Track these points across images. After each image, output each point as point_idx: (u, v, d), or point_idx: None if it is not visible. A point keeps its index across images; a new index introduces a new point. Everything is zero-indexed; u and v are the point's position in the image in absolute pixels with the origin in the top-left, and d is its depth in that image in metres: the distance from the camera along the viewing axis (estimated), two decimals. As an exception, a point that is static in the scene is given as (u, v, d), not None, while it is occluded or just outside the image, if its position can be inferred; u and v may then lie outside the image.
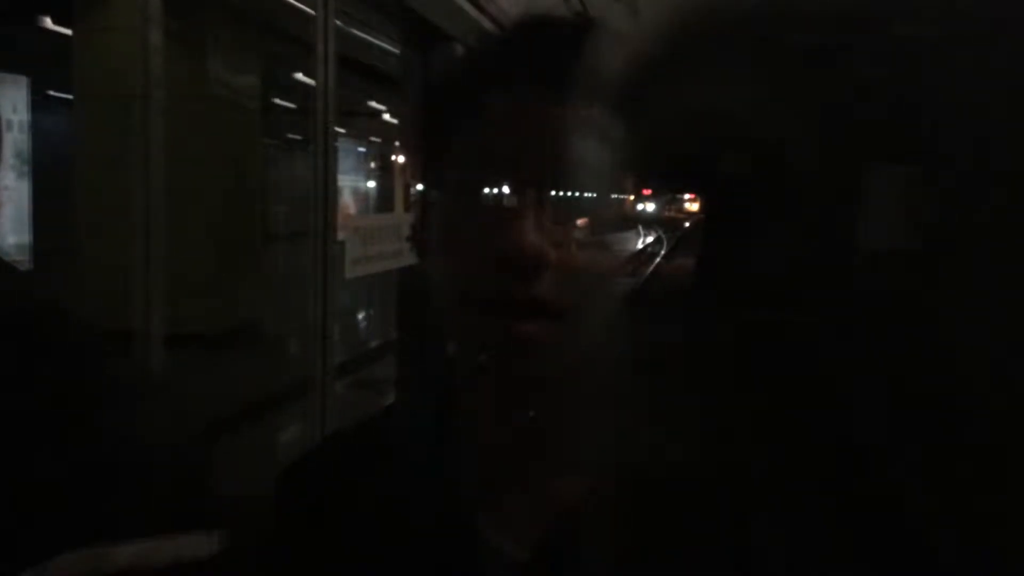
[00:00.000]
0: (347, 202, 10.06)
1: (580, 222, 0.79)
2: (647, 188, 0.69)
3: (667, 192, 0.74)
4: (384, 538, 0.81)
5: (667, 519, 0.66)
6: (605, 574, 0.65)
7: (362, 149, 11.33)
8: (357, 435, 0.94)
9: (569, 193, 0.79)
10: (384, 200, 10.85)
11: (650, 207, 0.70)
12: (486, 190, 0.80)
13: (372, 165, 11.47)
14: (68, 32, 5.66)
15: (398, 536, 0.80)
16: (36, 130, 6.41)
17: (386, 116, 10.73)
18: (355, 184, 10.91)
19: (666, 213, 0.70)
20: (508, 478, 0.83)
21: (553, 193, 0.79)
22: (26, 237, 6.32)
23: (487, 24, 5.77)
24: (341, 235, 3.93)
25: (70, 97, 5.51)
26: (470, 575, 0.79)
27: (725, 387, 0.62)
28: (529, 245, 0.77)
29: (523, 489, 0.83)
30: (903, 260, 0.59)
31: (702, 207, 0.69)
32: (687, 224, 0.71)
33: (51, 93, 6.86)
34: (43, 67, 6.33)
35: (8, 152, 5.95)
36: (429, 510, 0.81)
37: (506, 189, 0.79)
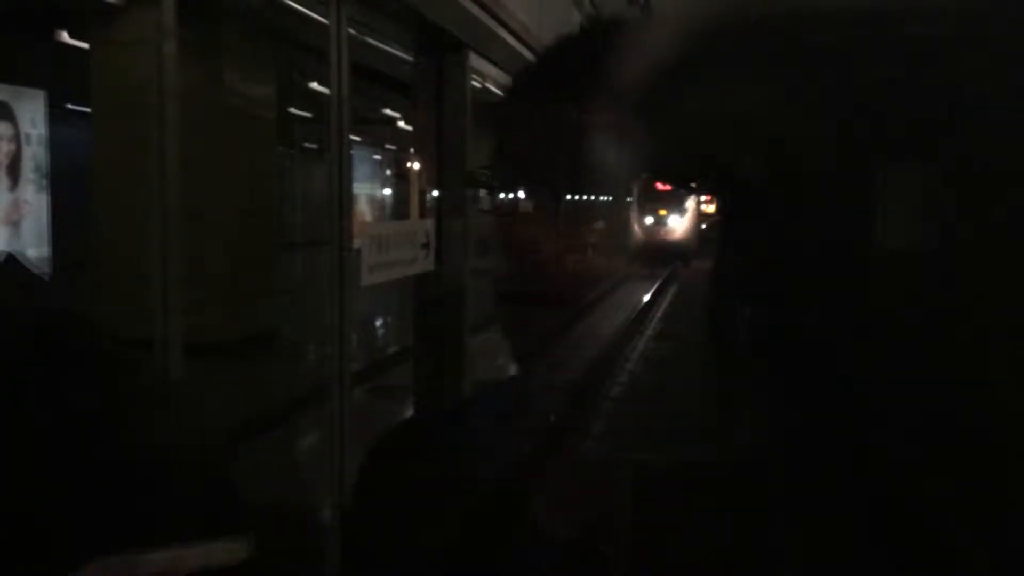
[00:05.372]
0: (362, 209, 10.09)
1: (597, 225, 0.80)
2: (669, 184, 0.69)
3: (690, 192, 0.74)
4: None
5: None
6: None
7: (377, 156, 11.36)
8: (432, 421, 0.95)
9: (585, 197, 0.79)
10: (399, 207, 10.88)
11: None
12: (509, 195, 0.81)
13: (387, 172, 11.50)
14: (85, 46, 5.71)
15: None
16: (54, 143, 6.46)
17: (401, 123, 10.76)
18: (371, 191, 10.95)
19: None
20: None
21: (568, 197, 0.79)
22: (46, 250, 6.36)
23: (501, 32, 5.78)
24: (357, 242, 3.94)
25: (87, 110, 5.56)
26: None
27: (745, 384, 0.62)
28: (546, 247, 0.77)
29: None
30: (921, 260, 0.59)
31: (719, 208, 0.69)
32: (703, 226, 0.71)
33: (69, 106, 6.91)
34: (60, 80, 6.38)
35: (28, 166, 6.01)
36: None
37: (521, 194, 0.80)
